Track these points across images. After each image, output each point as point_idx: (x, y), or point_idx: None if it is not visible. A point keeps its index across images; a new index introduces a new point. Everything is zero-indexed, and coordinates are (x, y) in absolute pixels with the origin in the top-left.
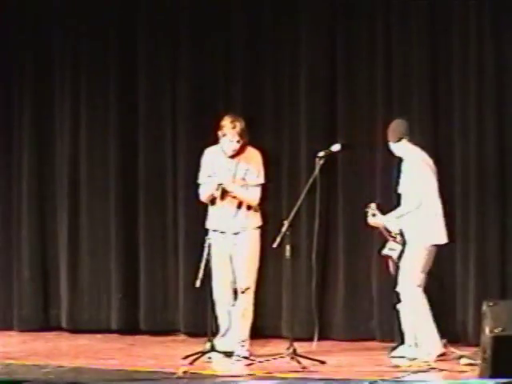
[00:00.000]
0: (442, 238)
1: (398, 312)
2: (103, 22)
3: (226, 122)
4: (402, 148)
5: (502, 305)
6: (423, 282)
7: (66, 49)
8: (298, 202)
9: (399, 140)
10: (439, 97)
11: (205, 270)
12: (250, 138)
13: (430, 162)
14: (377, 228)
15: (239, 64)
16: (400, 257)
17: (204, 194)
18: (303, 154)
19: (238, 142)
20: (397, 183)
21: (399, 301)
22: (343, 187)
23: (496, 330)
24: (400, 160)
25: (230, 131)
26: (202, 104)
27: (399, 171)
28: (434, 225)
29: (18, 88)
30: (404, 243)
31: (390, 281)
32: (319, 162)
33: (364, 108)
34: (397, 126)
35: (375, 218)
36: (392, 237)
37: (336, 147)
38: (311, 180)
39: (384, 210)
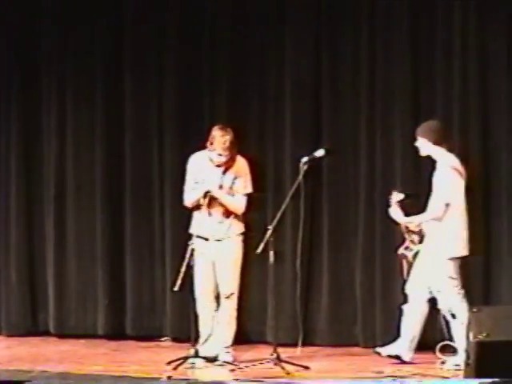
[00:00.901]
0: (464, 251)
1: (401, 312)
2: (90, 29)
3: (216, 134)
4: (439, 151)
5: (486, 311)
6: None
7: (53, 56)
8: (282, 208)
9: (438, 144)
10: (422, 103)
11: (185, 274)
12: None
13: (463, 171)
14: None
15: (224, 72)
16: (414, 257)
17: (189, 200)
18: (288, 161)
19: (227, 155)
20: (430, 184)
21: (406, 302)
22: (328, 193)
23: (480, 336)
24: (433, 163)
25: (220, 145)
26: (188, 111)
27: (431, 172)
28: (457, 236)
29: (4, 93)
30: (421, 242)
31: (374, 286)
32: (303, 168)
33: (348, 114)
34: (439, 128)
35: (397, 214)
36: (410, 233)
37: (320, 153)
38: (295, 185)
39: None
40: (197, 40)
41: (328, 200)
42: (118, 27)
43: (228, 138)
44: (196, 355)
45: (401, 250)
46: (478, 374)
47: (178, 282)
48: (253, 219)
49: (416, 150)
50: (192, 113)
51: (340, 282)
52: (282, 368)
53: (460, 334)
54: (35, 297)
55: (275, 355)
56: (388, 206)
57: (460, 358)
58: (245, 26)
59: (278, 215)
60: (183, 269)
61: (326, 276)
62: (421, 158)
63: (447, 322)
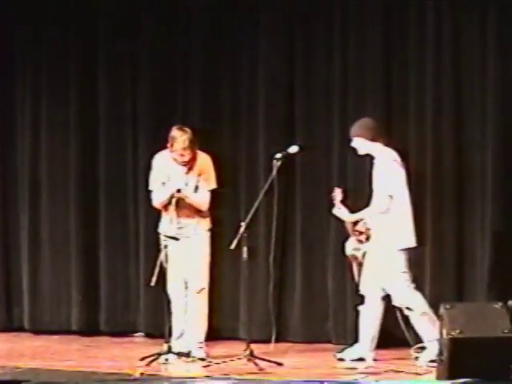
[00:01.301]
0: (412, 242)
1: (357, 313)
2: (65, 27)
3: (175, 134)
4: (377, 147)
5: (459, 307)
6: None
7: (27, 52)
8: (256, 204)
9: (375, 140)
10: (394, 100)
11: (160, 270)
12: (207, 141)
13: (403, 163)
14: (342, 220)
15: (197, 66)
16: (364, 256)
17: (158, 200)
18: (261, 158)
19: (188, 154)
20: (369, 183)
21: (362, 303)
22: (300, 189)
23: (453, 333)
24: (371, 159)
25: (180, 145)
26: (162, 109)
27: (371, 170)
28: (405, 228)
29: None
30: (367, 241)
31: (345, 283)
32: (276, 164)
33: (321, 110)
34: (374, 125)
35: (339, 213)
36: (356, 233)
37: (293, 149)
38: (269, 181)
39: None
40: (170, 38)
41: (301, 196)
42: (92, 25)
43: (187, 137)
44: (169, 351)
45: (349, 251)
46: (451, 371)
47: (154, 277)
48: (225, 215)
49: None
50: (166, 111)
51: (312, 279)
52: (256, 364)
53: (422, 325)
54: (10, 293)
55: (248, 351)
56: (332, 205)
57: (430, 351)
58: (218, 25)
59: (252, 211)
60: (158, 264)
61: (298, 272)
62: None
63: (406, 317)
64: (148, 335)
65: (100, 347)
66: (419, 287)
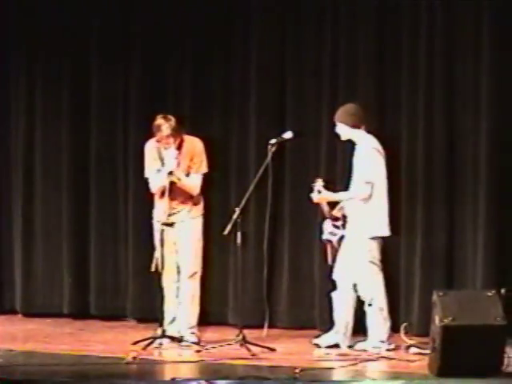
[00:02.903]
0: (386, 231)
1: (330, 299)
2: (58, 14)
3: (159, 123)
4: (358, 134)
5: (452, 295)
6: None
7: (21, 40)
8: (250, 189)
9: (357, 126)
10: (386, 87)
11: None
12: (198, 127)
13: (383, 152)
14: (318, 205)
15: (189, 52)
16: (339, 242)
17: (155, 186)
18: (252, 143)
19: (173, 142)
20: (350, 168)
21: (335, 288)
22: (289, 176)
23: (446, 320)
24: (352, 145)
25: (163, 133)
26: (153, 97)
27: (351, 157)
28: (380, 216)
29: None
30: (344, 227)
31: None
32: (271, 150)
33: (311, 97)
34: (356, 111)
35: (320, 195)
36: (332, 217)
37: (288, 135)
38: (263, 167)
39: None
40: (162, 26)
41: (289, 183)
42: (85, 13)
43: (169, 124)
44: (163, 335)
45: (325, 235)
46: (443, 358)
47: (154, 263)
48: (216, 200)
49: (380, 135)
50: (157, 98)
51: (300, 265)
52: (248, 350)
53: (375, 320)
54: (2, 276)
55: (241, 336)
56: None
57: (369, 344)
58: (210, 12)
59: (246, 196)
60: (158, 250)
61: (286, 259)
62: (385, 144)
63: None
64: (136, 319)
65: (93, 331)
66: (409, 275)
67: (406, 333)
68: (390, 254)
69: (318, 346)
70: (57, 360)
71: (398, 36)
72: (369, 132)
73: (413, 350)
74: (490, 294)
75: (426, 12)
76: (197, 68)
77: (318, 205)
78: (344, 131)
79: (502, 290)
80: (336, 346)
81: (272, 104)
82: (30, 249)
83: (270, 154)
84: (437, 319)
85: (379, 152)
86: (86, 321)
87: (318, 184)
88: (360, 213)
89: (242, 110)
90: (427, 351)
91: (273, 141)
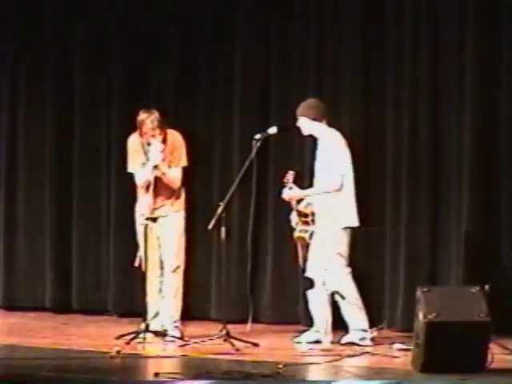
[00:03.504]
0: (355, 221)
1: (305, 297)
2: (44, 8)
3: (143, 117)
4: (320, 128)
5: (436, 291)
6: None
7: (5, 33)
8: (234, 184)
9: (318, 120)
10: (371, 81)
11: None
12: (182, 121)
13: (345, 143)
14: (289, 203)
15: (173, 46)
16: (311, 238)
17: (141, 180)
18: (236, 138)
19: (158, 134)
20: (312, 163)
21: (312, 286)
22: (274, 171)
23: (430, 316)
24: (314, 139)
25: (147, 128)
26: (136, 90)
27: (314, 151)
28: (349, 207)
29: None
30: (313, 223)
31: None
32: (256, 145)
33: (296, 92)
34: (319, 105)
35: (291, 192)
36: (300, 213)
37: (273, 130)
38: (247, 162)
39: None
40: (145, 20)
41: (272, 178)
42: (69, 6)
43: (154, 117)
44: (147, 330)
45: (296, 233)
46: (427, 354)
47: (137, 258)
48: (199, 194)
49: (365, 129)
50: (140, 91)
51: (284, 260)
52: (232, 345)
53: (351, 313)
54: None
55: (225, 331)
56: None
57: (354, 336)
58: (194, 5)
59: (231, 191)
60: (142, 245)
61: (270, 254)
62: (370, 137)
63: (335, 302)
64: (117, 314)
65: (76, 325)
66: (394, 269)
67: (388, 327)
68: (375, 251)
69: (298, 343)
70: (40, 354)
71: (382, 35)
72: (330, 126)
73: (396, 345)
74: (473, 290)
75: (411, 10)
76: (181, 63)
77: (287, 202)
78: (305, 125)
79: (486, 287)
80: (317, 342)
81: (257, 99)
82: (12, 244)
83: (254, 149)
84: (420, 315)
85: (343, 144)
86: (69, 315)
87: (290, 177)
88: (330, 205)
89: (226, 104)
90: (411, 347)
91: (257, 136)
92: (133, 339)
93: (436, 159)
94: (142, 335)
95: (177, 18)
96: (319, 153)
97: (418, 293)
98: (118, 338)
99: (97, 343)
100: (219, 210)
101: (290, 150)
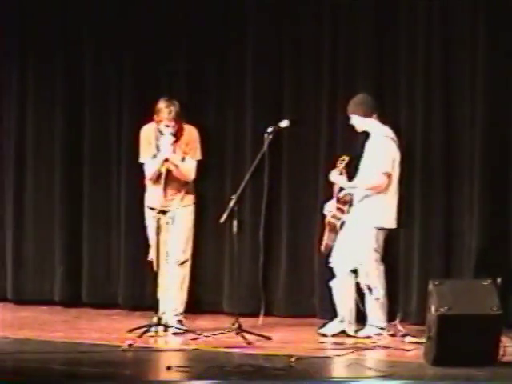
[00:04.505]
0: (393, 224)
1: (329, 288)
2: (52, 2)
3: (162, 106)
4: (371, 124)
5: (448, 284)
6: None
7: (14, 27)
8: (247, 177)
9: (368, 115)
10: (385, 73)
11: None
12: (194, 114)
13: (397, 140)
14: (332, 186)
15: (184, 40)
16: (341, 227)
17: (150, 172)
18: (248, 131)
19: (174, 126)
20: (359, 158)
21: (333, 276)
22: (287, 163)
23: (442, 309)
24: (366, 136)
25: (166, 116)
26: (147, 83)
27: (363, 146)
28: (390, 208)
29: None
30: (348, 212)
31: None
32: (268, 138)
33: (310, 84)
34: (367, 100)
35: (339, 177)
36: (341, 199)
37: (284, 123)
38: (259, 156)
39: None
40: (157, 12)
41: (287, 171)
42: (80, 0)
43: (173, 108)
44: (159, 323)
45: (329, 218)
46: (439, 347)
47: (151, 251)
48: (211, 188)
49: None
50: (151, 84)
51: (298, 253)
52: (244, 338)
53: (373, 308)
54: None
55: (237, 325)
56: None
57: (368, 331)
58: (207, 2)
59: (242, 185)
60: (154, 239)
61: (284, 246)
62: None
63: (362, 295)
64: (127, 307)
65: (87, 319)
66: (408, 263)
67: (401, 321)
68: (389, 244)
69: (324, 335)
70: (52, 347)
71: (396, 29)
72: (383, 122)
73: (408, 338)
74: (485, 283)
75: (423, 11)
76: (193, 55)
77: (331, 183)
78: (357, 122)
79: (498, 280)
80: (342, 332)
81: (269, 92)
82: (21, 237)
83: (266, 143)
84: (432, 308)
85: (393, 140)
86: (80, 308)
87: (343, 162)
88: (370, 201)
89: (238, 98)
90: (423, 340)
91: (269, 129)
92: (145, 333)
93: (449, 155)
94: (153, 329)
95: (190, 11)
96: (367, 149)
97: (430, 286)
98: (130, 331)
99: (109, 337)
100: (231, 204)
101: (304, 143)
